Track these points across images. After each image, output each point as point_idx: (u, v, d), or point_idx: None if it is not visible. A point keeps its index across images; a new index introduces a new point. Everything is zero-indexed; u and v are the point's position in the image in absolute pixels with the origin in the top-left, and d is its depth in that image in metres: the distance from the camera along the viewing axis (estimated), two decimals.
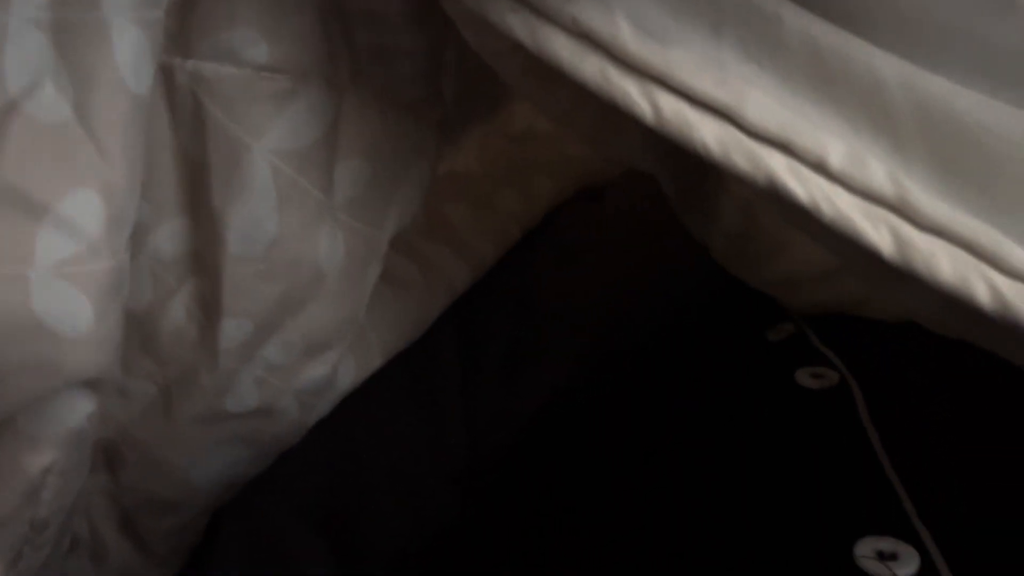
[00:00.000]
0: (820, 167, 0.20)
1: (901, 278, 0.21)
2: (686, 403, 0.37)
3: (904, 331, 0.39)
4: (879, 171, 0.21)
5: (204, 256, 0.33)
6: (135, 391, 0.36)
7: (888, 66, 0.21)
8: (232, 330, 0.34)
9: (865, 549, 0.25)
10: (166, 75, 0.30)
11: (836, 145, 0.21)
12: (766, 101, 0.21)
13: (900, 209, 0.20)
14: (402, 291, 0.42)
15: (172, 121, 0.31)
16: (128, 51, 0.27)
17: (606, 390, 0.41)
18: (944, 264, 0.20)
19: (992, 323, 0.20)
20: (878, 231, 0.20)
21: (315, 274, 0.34)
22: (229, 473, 0.39)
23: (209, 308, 0.34)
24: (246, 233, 0.32)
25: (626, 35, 0.21)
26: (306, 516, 0.40)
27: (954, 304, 0.21)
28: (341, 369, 0.39)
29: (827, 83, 0.21)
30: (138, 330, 0.35)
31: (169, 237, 0.33)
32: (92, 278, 0.28)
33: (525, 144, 0.58)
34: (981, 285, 0.20)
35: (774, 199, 0.21)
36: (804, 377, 0.36)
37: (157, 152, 0.31)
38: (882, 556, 0.25)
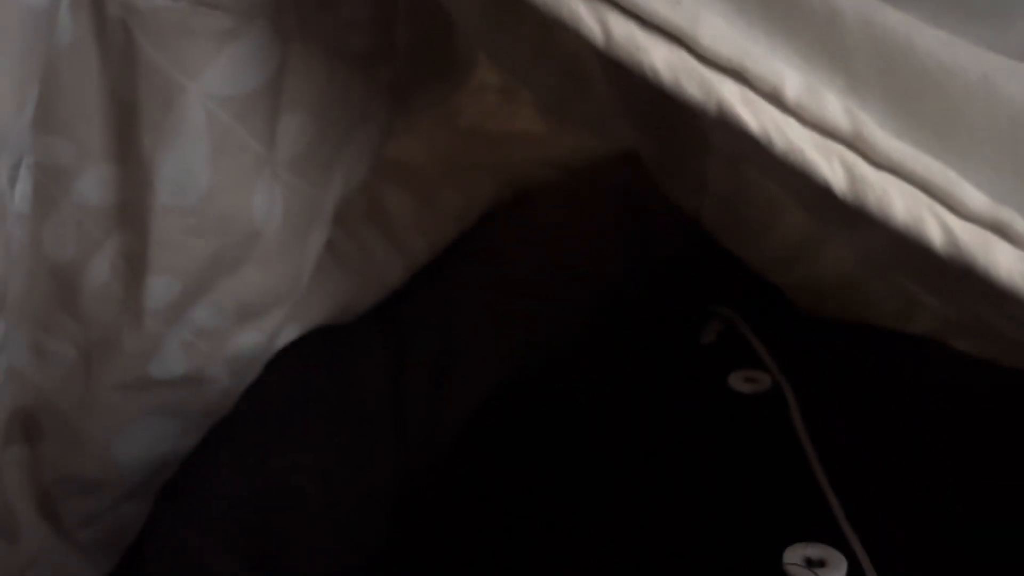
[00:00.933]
0: (774, 97, 0.20)
1: (853, 219, 0.20)
2: (621, 413, 0.37)
3: (840, 332, 0.39)
4: (835, 104, 0.20)
5: (132, 207, 0.32)
6: (54, 353, 0.34)
7: None
8: (159, 289, 0.32)
9: (793, 556, 0.25)
10: (96, 5, 0.28)
11: (792, 75, 0.20)
12: (721, 26, 0.20)
13: (855, 144, 0.20)
14: (345, 265, 0.41)
15: (101, 56, 0.29)
16: None
17: (536, 401, 0.41)
18: (897, 202, 0.19)
19: (942, 267, 0.19)
20: (831, 166, 0.19)
21: (249, 232, 0.32)
22: (155, 449, 0.37)
23: (135, 264, 0.32)
24: (177, 182, 0.30)
25: None
26: (230, 544, 0.38)
27: (905, 248, 0.20)
28: (283, 337, 0.37)
29: (782, 14, 0.20)
30: (59, 285, 0.33)
31: (95, 184, 0.31)
32: None
33: (471, 141, 0.57)
34: (934, 225, 0.19)
35: (725, 129, 0.20)
36: (737, 381, 0.36)
37: (83, 90, 0.30)
38: (810, 563, 0.25)
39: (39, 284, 0.33)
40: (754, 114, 0.19)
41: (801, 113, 0.20)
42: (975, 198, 0.19)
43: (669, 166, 0.37)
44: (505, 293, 0.47)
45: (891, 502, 0.27)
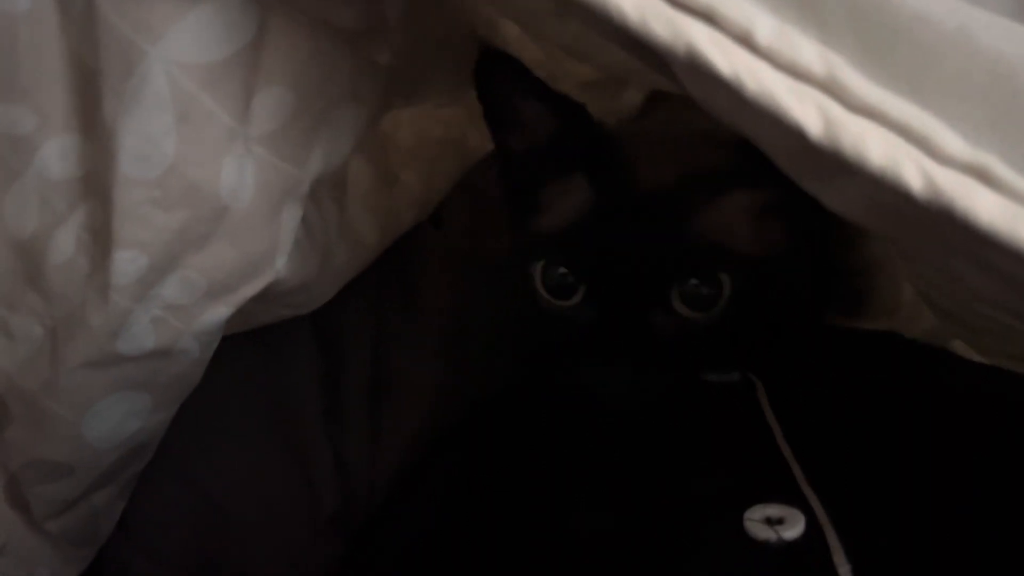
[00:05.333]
0: (745, 40, 0.19)
1: (828, 169, 0.19)
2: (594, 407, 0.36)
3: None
4: (809, 48, 0.19)
5: (95, 178, 0.31)
6: (20, 332, 0.33)
7: None
8: (125, 264, 0.31)
9: (755, 515, 0.26)
10: None
11: (764, 19, 0.19)
12: None
13: (830, 88, 0.19)
14: (311, 238, 0.40)
15: (60, 21, 0.28)
16: None
17: (486, 411, 0.40)
18: (874, 147, 0.18)
19: (920, 216, 0.19)
20: (804, 110, 0.19)
21: (217, 207, 0.31)
22: (125, 427, 0.36)
23: (101, 238, 0.31)
24: (139, 152, 0.30)
25: None
26: (169, 566, 0.39)
27: (882, 197, 0.19)
28: None
29: None
30: (23, 260, 0.32)
31: (58, 155, 0.31)
32: None
33: (457, 119, 0.56)
34: (912, 170, 0.18)
35: (695, 74, 0.19)
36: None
37: (43, 57, 0.29)
38: (770, 521, 0.26)
39: (2, 260, 0.32)
40: (725, 57, 0.19)
41: (773, 56, 0.19)
42: (954, 143, 0.19)
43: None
44: (430, 316, 0.47)
45: (847, 468, 0.28)
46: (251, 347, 0.42)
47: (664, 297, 0.35)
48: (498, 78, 0.38)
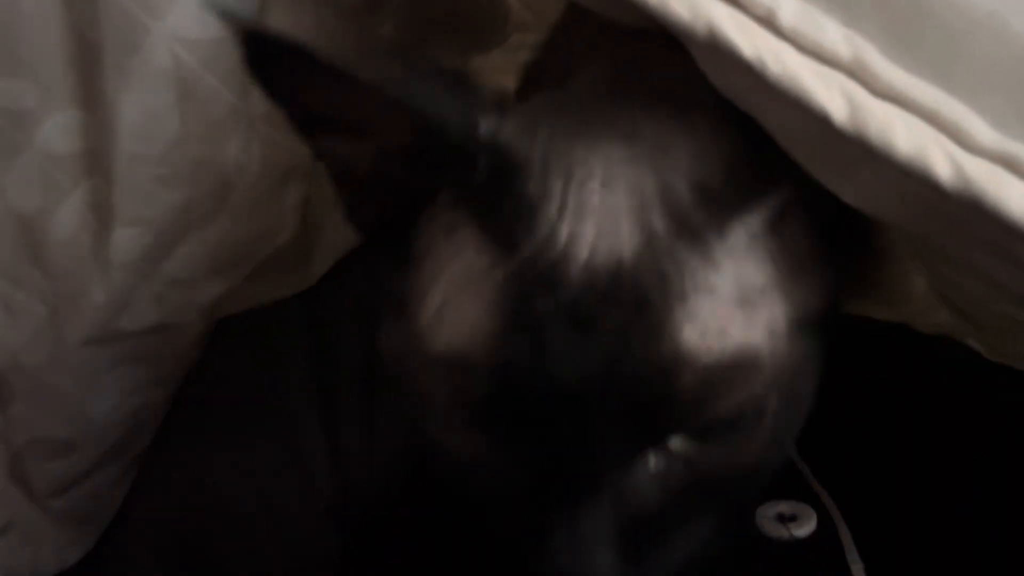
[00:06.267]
0: (768, 22, 0.18)
1: (852, 158, 0.19)
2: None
3: None
4: (834, 30, 0.18)
5: (98, 154, 0.30)
6: (22, 309, 0.33)
7: None
8: (128, 241, 0.31)
9: (767, 512, 0.26)
10: None
11: (787, 0, 0.18)
12: None
13: (855, 72, 0.18)
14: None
15: None
16: None
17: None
18: (901, 134, 0.18)
19: (946, 207, 0.18)
20: (830, 94, 0.18)
21: (221, 183, 0.31)
22: (128, 402, 0.36)
23: (103, 215, 0.31)
24: (142, 129, 0.29)
25: None
26: (178, 565, 0.39)
27: (907, 187, 0.18)
28: None
29: None
30: (25, 236, 0.32)
31: (61, 130, 0.30)
32: None
33: None
34: (941, 159, 0.18)
35: (715, 56, 0.18)
36: None
37: (46, 30, 0.28)
38: (782, 518, 0.26)
39: (5, 236, 0.32)
40: (747, 39, 0.18)
41: (797, 39, 0.18)
42: (984, 132, 0.18)
43: None
44: None
45: (858, 467, 0.28)
46: (244, 336, 0.41)
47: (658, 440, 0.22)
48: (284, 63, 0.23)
